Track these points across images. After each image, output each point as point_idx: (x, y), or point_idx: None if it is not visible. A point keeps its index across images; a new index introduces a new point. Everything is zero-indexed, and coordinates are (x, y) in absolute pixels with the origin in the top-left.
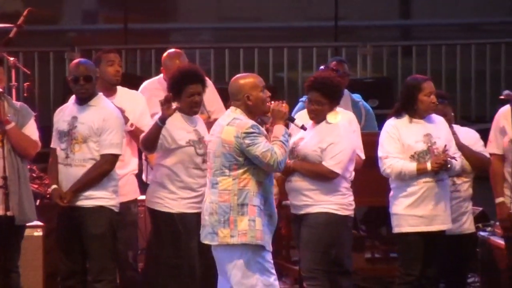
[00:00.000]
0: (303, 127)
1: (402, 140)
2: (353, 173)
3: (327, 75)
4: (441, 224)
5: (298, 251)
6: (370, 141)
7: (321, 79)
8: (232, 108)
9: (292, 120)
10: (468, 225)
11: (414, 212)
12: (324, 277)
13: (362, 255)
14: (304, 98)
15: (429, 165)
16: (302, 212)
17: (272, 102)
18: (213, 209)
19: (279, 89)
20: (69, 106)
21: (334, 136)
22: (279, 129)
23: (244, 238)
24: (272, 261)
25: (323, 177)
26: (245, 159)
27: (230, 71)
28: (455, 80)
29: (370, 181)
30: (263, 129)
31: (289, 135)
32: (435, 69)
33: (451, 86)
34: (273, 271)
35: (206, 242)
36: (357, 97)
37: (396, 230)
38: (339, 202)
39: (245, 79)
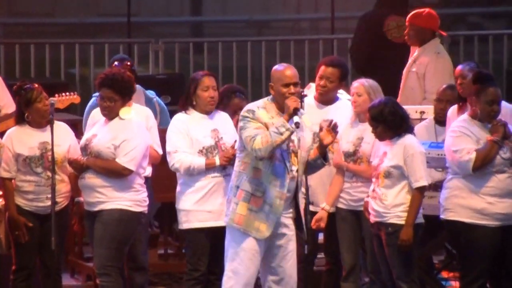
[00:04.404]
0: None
1: (191, 135)
2: (151, 169)
3: (117, 71)
4: None
5: (91, 248)
6: (163, 137)
7: (112, 76)
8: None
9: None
10: None
11: (203, 207)
12: (117, 273)
13: (155, 251)
14: (97, 94)
15: (217, 160)
16: (96, 209)
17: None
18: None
19: (71, 85)
20: None
21: (127, 133)
22: (277, 120)
23: (226, 218)
24: (256, 248)
25: (117, 174)
26: None
27: (20, 67)
28: (246, 76)
29: (163, 177)
30: (259, 116)
31: (287, 130)
32: (227, 65)
33: (242, 82)
34: (246, 258)
35: None
36: (151, 93)
37: (185, 226)
38: (133, 199)
39: (275, 70)
